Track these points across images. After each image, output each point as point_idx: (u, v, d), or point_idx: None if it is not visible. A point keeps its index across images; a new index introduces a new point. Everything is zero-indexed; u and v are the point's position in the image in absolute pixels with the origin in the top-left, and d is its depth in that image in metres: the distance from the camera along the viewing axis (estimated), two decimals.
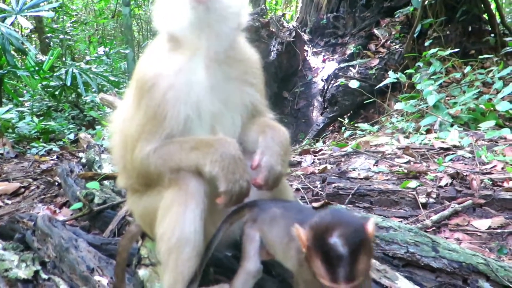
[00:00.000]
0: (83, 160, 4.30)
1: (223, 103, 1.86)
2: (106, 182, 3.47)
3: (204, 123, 1.83)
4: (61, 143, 6.99)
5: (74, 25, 16.85)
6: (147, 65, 1.86)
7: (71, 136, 7.27)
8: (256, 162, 1.76)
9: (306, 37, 11.69)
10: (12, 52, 7.45)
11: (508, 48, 8.46)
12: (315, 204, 2.86)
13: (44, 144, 6.50)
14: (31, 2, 7.88)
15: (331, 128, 9.25)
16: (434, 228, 2.91)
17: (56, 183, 4.05)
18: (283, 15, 13.82)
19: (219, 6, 1.74)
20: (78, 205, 3.10)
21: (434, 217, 2.97)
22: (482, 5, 9.54)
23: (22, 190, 4.02)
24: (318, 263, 1.27)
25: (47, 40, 14.14)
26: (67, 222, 2.97)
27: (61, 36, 13.54)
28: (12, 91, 9.22)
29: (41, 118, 8.53)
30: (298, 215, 1.61)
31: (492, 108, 5.69)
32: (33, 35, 15.45)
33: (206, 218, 1.74)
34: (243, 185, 1.68)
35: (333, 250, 1.23)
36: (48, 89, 9.43)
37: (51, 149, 6.27)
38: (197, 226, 1.69)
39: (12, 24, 7.71)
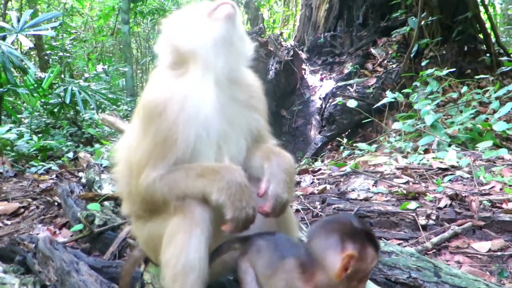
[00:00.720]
0: (83, 180, 4.30)
1: (230, 124, 1.88)
2: (106, 203, 3.47)
3: (211, 143, 1.84)
4: (60, 161, 6.98)
5: (74, 43, 16.96)
6: (155, 91, 1.88)
7: (70, 155, 7.26)
8: (263, 190, 1.78)
9: (303, 55, 11.80)
10: (12, 69, 7.48)
11: (503, 67, 8.57)
12: None
13: (43, 163, 6.50)
14: (32, 21, 7.95)
15: (329, 147, 9.27)
16: (434, 250, 2.91)
17: (56, 203, 4.04)
18: (281, 34, 13.99)
19: (239, 25, 1.82)
20: (78, 226, 3.10)
21: (434, 240, 2.97)
22: (478, 25, 9.69)
23: (22, 210, 4.00)
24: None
25: (46, 57, 14.22)
26: (67, 244, 2.97)
27: (60, 54, 13.62)
28: (11, 107, 9.22)
29: (39, 135, 8.53)
30: (282, 247, 1.67)
31: (489, 128, 5.73)
32: (32, 52, 15.53)
33: (211, 245, 1.75)
34: (249, 212, 1.69)
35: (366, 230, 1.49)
36: (47, 106, 9.45)
37: (50, 168, 6.26)
38: (202, 253, 1.69)
39: (12, 42, 7.76)
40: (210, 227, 1.74)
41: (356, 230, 1.44)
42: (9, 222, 3.76)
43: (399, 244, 2.98)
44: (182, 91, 1.83)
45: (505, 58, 9.44)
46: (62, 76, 12.10)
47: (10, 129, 6.30)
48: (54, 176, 5.77)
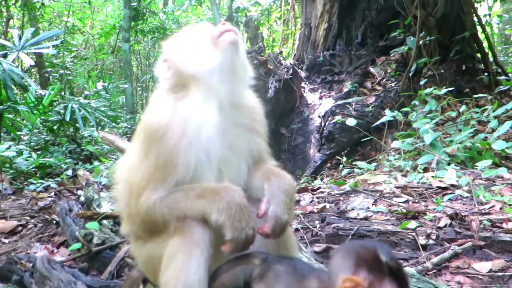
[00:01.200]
0: (82, 198, 4.29)
1: (231, 148, 1.90)
2: (105, 222, 3.45)
3: (212, 167, 1.86)
4: (59, 179, 6.97)
5: (74, 60, 17.09)
6: (156, 113, 1.89)
7: (69, 172, 7.25)
8: (263, 211, 1.78)
9: (303, 74, 11.87)
10: (13, 87, 7.51)
11: (501, 86, 8.63)
12: (316, 248, 2.85)
13: (42, 181, 6.48)
14: (33, 39, 8.02)
15: (328, 165, 9.27)
16: (435, 270, 2.89)
17: (54, 221, 4.02)
18: (281, 52, 14.09)
19: (242, 52, 1.86)
20: (77, 245, 3.08)
21: (435, 260, 2.95)
22: (475, 45, 9.78)
23: (20, 228, 3.98)
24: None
25: (46, 74, 14.33)
26: (65, 263, 2.95)
27: (61, 71, 13.71)
28: (10, 124, 9.24)
29: (38, 152, 8.53)
30: (302, 270, 1.64)
31: (488, 147, 5.74)
32: (33, 70, 15.64)
33: (211, 266, 1.74)
34: (249, 233, 1.69)
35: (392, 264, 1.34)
36: (46, 124, 9.47)
37: (49, 186, 6.24)
38: (201, 274, 1.69)
39: (13, 60, 7.82)
40: (210, 248, 1.73)
41: (378, 261, 1.33)
42: (6, 241, 3.73)
43: None
44: (183, 115, 1.84)
45: (503, 77, 9.51)
46: (62, 93, 12.17)
47: (9, 147, 6.29)
48: (52, 193, 5.75)
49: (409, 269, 2.54)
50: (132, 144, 2.06)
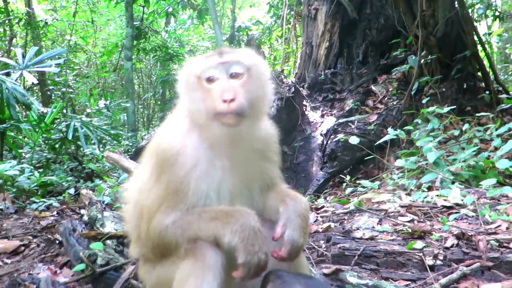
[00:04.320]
0: (85, 218, 4.26)
1: (243, 181, 1.89)
2: (109, 242, 3.42)
3: (223, 197, 1.84)
4: (61, 197, 6.94)
5: (76, 78, 17.17)
6: (168, 139, 1.87)
7: (71, 191, 7.22)
8: (278, 235, 1.77)
9: (304, 92, 11.91)
10: (15, 105, 7.53)
11: (503, 105, 8.63)
12: (325, 270, 2.81)
13: (44, 199, 6.45)
14: (36, 58, 8.08)
15: (331, 183, 9.23)
16: None
17: (57, 241, 3.97)
18: (282, 71, 14.15)
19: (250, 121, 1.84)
20: (81, 266, 3.04)
21: (443, 281, 2.91)
22: (476, 63, 9.82)
23: (22, 248, 3.93)
24: None
25: (48, 92, 14.38)
26: (68, 284, 2.91)
27: (63, 89, 13.77)
28: (12, 142, 9.24)
29: (40, 170, 8.51)
30: None
31: (491, 165, 5.72)
32: (35, 87, 15.71)
33: None
34: (261, 257, 1.66)
35: None
36: (48, 142, 9.47)
37: (51, 204, 6.21)
38: None
39: (17, 79, 7.85)
40: (222, 272, 1.70)
41: None
42: (9, 261, 3.68)
43: (406, 285, 2.93)
44: (195, 145, 1.83)
45: (504, 95, 9.54)
46: (65, 111, 12.20)
47: (12, 166, 6.28)
48: (55, 212, 5.72)
49: None
50: (142, 165, 2.04)
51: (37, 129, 8.93)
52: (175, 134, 1.88)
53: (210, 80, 1.80)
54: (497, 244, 3.38)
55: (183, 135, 1.86)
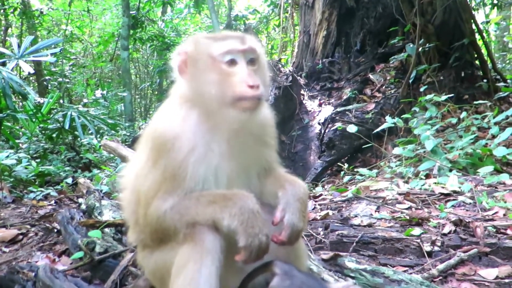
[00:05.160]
0: (83, 207, 4.26)
1: (241, 165, 1.88)
2: (107, 230, 3.42)
3: (221, 182, 1.83)
4: (58, 187, 6.93)
5: (73, 68, 17.08)
6: (165, 123, 1.85)
7: (69, 180, 7.21)
8: (278, 219, 1.77)
9: (302, 81, 11.88)
10: (12, 95, 7.48)
11: (501, 93, 8.64)
12: (324, 256, 2.82)
13: (42, 189, 6.44)
14: (32, 47, 8.00)
15: (329, 172, 9.25)
16: (441, 277, 2.86)
17: (55, 230, 3.98)
18: (280, 60, 14.10)
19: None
20: (79, 254, 3.04)
21: (440, 266, 2.92)
22: (474, 52, 9.81)
23: (20, 237, 3.93)
24: None
25: (45, 82, 14.32)
26: (67, 272, 2.91)
27: (60, 79, 13.70)
28: (8, 133, 9.20)
29: (37, 160, 8.49)
30: None
31: (489, 153, 5.73)
32: (31, 78, 15.63)
33: (222, 276, 1.70)
34: (262, 239, 1.66)
35: None
36: (45, 132, 9.44)
37: (48, 194, 6.20)
38: (212, 284, 1.65)
39: (12, 68, 7.79)
40: (221, 256, 1.69)
41: None
42: (7, 250, 3.69)
43: (404, 271, 2.93)
44: (193, 129, 1.81)
45: (501, 83, 9.53)
46: (61, 101, 12.14)
47: (9, 155, 6.25)
48: (53, 202, 5.71)
49: (417, 277, 2.51)
50: (138, 151, 2.02)
51: (33, 119, 8.89)
52: (172, 118, 1.86)
53: (231, 63, 1.77)
54: (494, 230, 3.40)
55: (180, 120, 1.83)
